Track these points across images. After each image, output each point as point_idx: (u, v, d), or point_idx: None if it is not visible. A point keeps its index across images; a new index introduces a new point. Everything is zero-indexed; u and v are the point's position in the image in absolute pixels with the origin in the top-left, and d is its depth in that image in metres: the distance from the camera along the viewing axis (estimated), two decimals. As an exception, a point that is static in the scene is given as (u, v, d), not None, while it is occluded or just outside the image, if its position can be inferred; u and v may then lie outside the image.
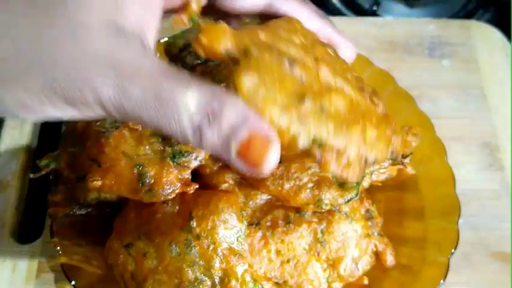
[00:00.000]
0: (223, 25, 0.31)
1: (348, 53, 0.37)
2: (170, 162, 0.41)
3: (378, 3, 0.74)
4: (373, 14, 0.74)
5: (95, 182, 0.40)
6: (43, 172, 0.45)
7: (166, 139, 0.42)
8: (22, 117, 0.27)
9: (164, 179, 0.40)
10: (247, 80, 0.28)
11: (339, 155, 0.31)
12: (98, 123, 0.43)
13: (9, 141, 0.56)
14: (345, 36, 0.38)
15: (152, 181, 0.40)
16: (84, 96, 0.26)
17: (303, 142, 0.29)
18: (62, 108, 0.27)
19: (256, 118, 0.27)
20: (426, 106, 0.55)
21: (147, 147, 0.42)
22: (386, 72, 0.56)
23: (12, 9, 0.26)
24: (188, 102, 0.26)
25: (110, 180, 0.40)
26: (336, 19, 0.71)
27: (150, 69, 0.26)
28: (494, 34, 0.67)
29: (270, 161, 0.27)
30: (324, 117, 0.30)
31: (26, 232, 0.52)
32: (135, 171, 0.40)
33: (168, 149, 0.42)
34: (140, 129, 0.43)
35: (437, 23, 0.68)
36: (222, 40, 0.30)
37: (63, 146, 0.46)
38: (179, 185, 0.40)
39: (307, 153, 0.30)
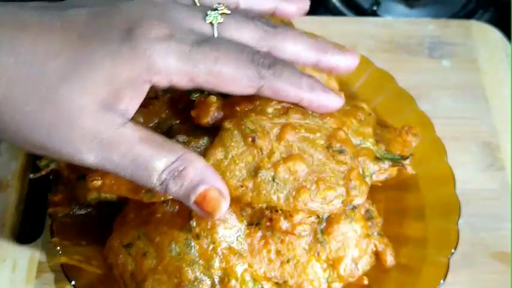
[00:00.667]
0: (212, 99, 0.40)
1: (348, 64, 0.41)
2: (170, 162, 0.41)
3: (377, 3, 0.74)
4: (373, 14, 0.74)
5: (94, 181, 0.40)
6: (43, 172, 0.45)
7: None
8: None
9: None
10: (215, 156, 0.38)
11: (287, 217, 0.39)
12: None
13: (9, 141, 0.56)
14: (342, 48, 0.41)
15: (152, 181, 0.40)
16: (71, 160, 0.33)
17: (258, 207, 0.38)
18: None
19: (212, 177, 0.34)
20: (426, 106, 0.55)
21: (147, 147, 0.42)
22: (386, 72, 0.56)
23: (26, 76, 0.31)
24: (157, 165, 0.33)
25: (110, 180, 0.40)
26: (336, 19, 0.71)
27: (129, 139, 0.33)
28: (494, 34, 0.67)
29: (220, 211, 0.34)
30: (275, 187, 0.38)
31: (26, 232, 0.52)
32: (135, 170, 0.40)
33: (168, 149, 0.42)
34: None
35: (437, 23, 0.68)
36: (206, 115, 0.40)
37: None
38: None
39: (262, 212, 0.40)
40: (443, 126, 0.53)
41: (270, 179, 0.38)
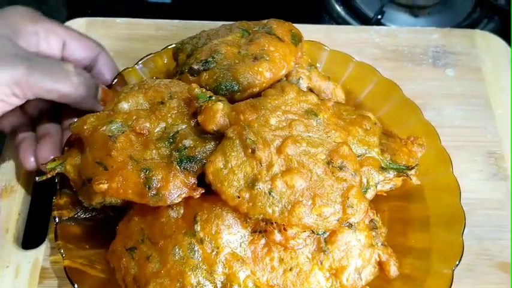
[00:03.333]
0: (218, 106, 0.42)
1: None
2: (177, 166, 0.41)
3: (382, 12, 0.75)
4: (378, 23, 0.75)
5: (101, 185, 0.40)
6: (48, 175, 0.45)
7: (173, 144, 0.43)
8: None
9: (171, 184, 0.40)
10: (214, 165, 0.39)
11: (281, 230, 0.40)
12: (104, 128, 0.43)
13: (14, 146, 0.56)
14: None
15: (159, 185, 0.40)
16: None
17: (254, 217, 0.39)
18: None
19: None
20: (430, 115, 0.55)
21: (154, 151, 0.42)
22: (392, 81, 0.56)
23: None
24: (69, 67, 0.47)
25: (117, 184, 0.40)
26: (341, 28, 0.71)
27: None
28: (498, 43, 0.67)
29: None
30: (270, 200, 0.38)
31: (30, 238, 0.52)
32: (142, 175, 0.40)
33: (175, 154, 0.42)
34: (147, 133, 0.43)
35: (441, 32, 0.68)
36: (212, 121, 0.41)
37: (69, 150, 0.46)
38: (186, 189, 0.40)
39: (258, 222, 0.40)
40: (447, 136, 0.53)
41: (267, 191, 0.38)
